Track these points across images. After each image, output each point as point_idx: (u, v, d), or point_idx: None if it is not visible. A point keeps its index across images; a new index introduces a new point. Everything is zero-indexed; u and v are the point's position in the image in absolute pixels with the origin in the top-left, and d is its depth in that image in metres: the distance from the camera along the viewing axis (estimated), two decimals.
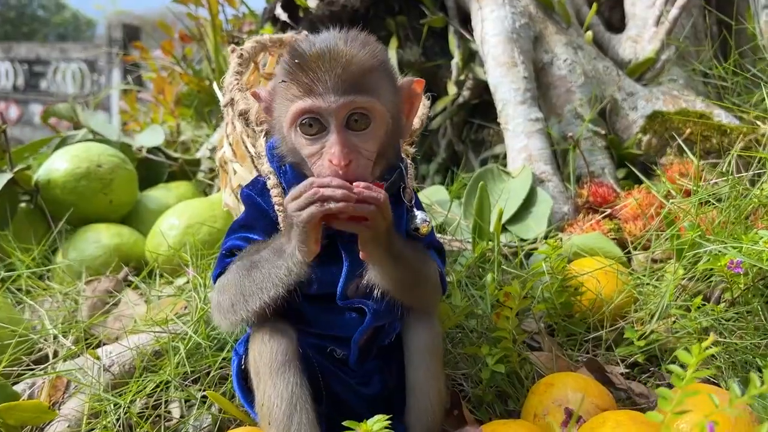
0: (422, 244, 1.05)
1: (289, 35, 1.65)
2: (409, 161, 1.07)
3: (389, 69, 0.95)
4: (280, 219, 1.01)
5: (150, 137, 2.39)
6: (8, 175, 1.86)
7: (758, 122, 2.00)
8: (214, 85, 1.45)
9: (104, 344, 1.44)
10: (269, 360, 0.96)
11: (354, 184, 0.85)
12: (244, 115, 1.23)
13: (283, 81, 0.91)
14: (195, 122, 2.98)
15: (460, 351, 1.33)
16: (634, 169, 1.97)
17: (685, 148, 1.81)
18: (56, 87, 9.43)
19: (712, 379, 1.22)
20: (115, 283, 1.72)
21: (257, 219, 1.04)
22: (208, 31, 3.07)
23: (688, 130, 2.04)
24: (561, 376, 1.14)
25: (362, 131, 0.90)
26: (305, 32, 1.68)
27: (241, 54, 1.47)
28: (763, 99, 2.06)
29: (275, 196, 1.02)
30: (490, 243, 1.62)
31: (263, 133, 1.18)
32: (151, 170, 2.31)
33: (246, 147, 1.29)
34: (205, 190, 2.36)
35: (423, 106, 1.33)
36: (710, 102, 2.15)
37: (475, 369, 1.29)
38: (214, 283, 1.03)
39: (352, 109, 0.88)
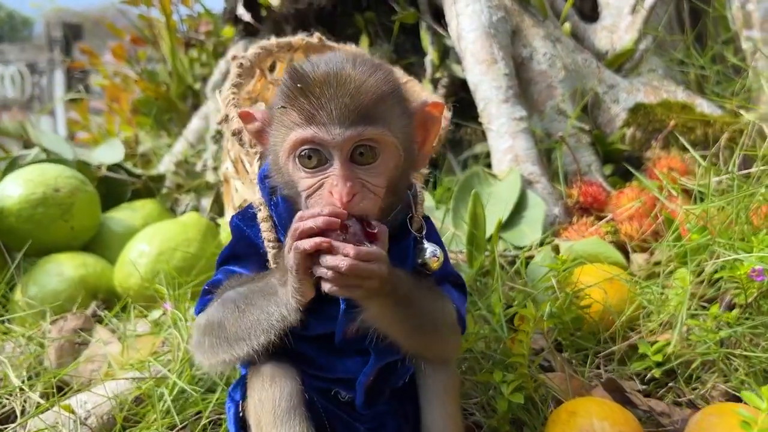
0: (433, 280, 0.95)
1: (298, 38, 1.49)
2: (419, 186, 0.96)
3: (401, 94, 0.84)
4: (269, 255, 0.92)
5: (109, 153, 2.22)
6: None
7: (741, 111, 1.97)
8: (217, 95, 1.31)
9: (78, 392, 1.31)
10: (272, 407, 0.87)
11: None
12: (237, 135, 1.10)
13: (282, 107, 0.80)
14: (154, 131, 2.81)
15: (470, 377, 1.25)
16: (629, 168, 1.91)
17: (687, 145, 1.75)
18: None
19: (734, 392, 1.17)
20: (84, 320, 1.57)
21: (246, 253, 0.95)
22: (162, 32, 2.89)
23: (672, 122, 2.00)
24: (583, 403, 1.07)
25: (369, 165, 0.80)
26: (318, 34, 1.52)
27: (241, 63, 1.34)
28: (743, 87, 2.04)
29: (265, 231, 0.92)
30: (486, 254, 1.54)
31: (257, 157, 1.06)
32: (112, 189, 2.14)
33: (245, 166, 1.17)
34: (172, 207, 2.20)
35: (444, 119, 1.18)
36: (692, 92, 2.12)
37: (487, 396, 1.21)
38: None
39: (359, 141, 0.78)
